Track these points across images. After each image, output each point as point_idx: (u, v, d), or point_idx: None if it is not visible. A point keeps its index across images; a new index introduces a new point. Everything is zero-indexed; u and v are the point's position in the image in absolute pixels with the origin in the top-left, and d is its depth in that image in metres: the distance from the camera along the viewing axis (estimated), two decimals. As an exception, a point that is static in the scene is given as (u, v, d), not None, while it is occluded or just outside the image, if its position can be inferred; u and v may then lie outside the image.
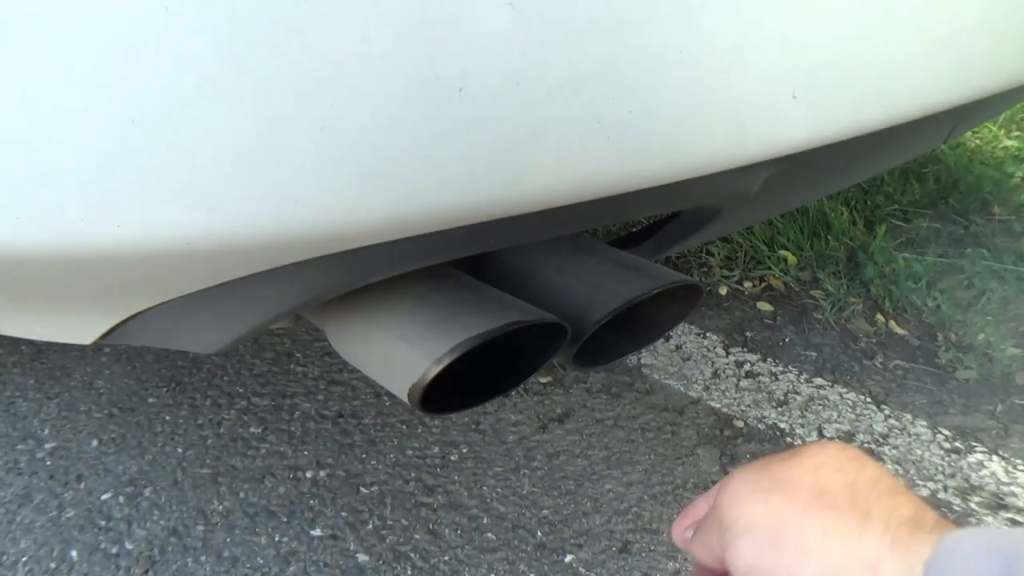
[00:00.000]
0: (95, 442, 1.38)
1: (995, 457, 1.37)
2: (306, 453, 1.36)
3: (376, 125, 0.50)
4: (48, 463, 1.33)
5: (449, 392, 0.77)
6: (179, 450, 1.36)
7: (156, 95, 0.47)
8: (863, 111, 0.67)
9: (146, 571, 1.15)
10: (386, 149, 0.50)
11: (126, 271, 0.58)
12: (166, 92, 0.47)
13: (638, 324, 0.87)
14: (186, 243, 0.50)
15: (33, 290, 0.69)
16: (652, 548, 1.19)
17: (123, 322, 0.73)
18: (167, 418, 1.43)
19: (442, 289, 0.71)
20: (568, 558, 1.18)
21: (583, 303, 0.75)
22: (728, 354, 1.62)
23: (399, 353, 0.67)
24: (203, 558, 1.17)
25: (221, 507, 1.25)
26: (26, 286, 0.67)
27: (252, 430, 1.41)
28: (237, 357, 1.59)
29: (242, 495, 1.28)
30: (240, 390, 1.51)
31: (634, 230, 1.04)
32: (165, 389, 1.51)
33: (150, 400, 1.48)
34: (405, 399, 0.69)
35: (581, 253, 0.80)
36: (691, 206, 0.78)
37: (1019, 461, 1.36)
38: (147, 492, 1.28)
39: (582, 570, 1.16)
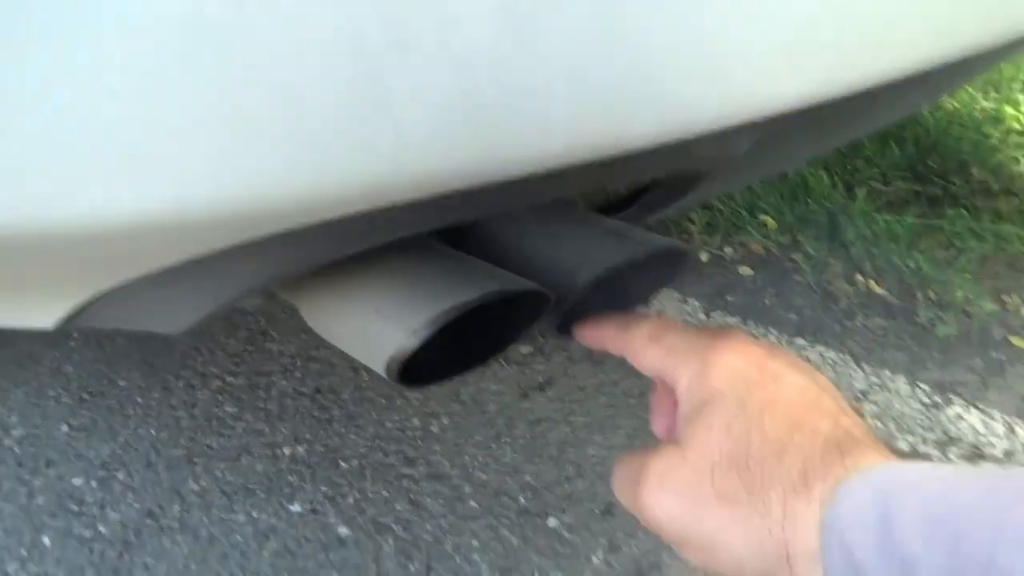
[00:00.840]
0: (65, 427, 1.34)
1: (973, 409, 1.36)
2: (283, 430, 1.34)
3: (340, 88, 0.47)
4: (16, 450, 1.30)
5: (429, 363, 0.74)
6: (152, 432, 1.33)
7: (111, 57, 0.44)
8: (857, 67, 0.65)
9: (122, 554, 1.12)
10: (353, 113, 0.48)
11: (84, 250, 0.55)
12: (120, 55, 0.44)
13: (623, 291, 0.85)
14: (145, 218, 0.48)
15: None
16: (636, 511, 1.18)
17: (86, 304, 0.70)
18: (139, 400, 1.40)
19: (419, 261, 0.69)
20: (551, 522, 1.17)
21: (567, 271, 0.73)
22: (709, 318, 1.61)
23: (375, 328, 0.65)
24: (180, 538, 1.14)
25: (197, 487, 1.23)
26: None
27: (227, 409, 1.38)
28: (210, 337, 1.56)
29: (218, 474, 1.25)
30: (214, 370, 1.48)
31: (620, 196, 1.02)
32: (136, 372, 1.47)
33: (121, 383, 1.45)
34: (383, 374, 0.67)
35: (564, 221, 0.78)
36: (678, 170, 0.76)
37: (996, 412, 1.36)
38: (120, 475, 1.25)
39: (565, 533, 1.15)
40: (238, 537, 1.14)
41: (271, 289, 0.81)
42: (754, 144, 0.75)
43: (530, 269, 0.71)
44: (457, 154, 0.53)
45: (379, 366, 0.63)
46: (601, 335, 0.60)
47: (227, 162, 0.49)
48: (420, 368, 0.70)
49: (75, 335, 1.57)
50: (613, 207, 0.99)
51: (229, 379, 1.45)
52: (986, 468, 0.37)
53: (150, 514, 1.18)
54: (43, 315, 0.73)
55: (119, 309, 0.69)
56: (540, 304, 0.68)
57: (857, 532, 0.35)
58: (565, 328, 0.76)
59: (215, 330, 1.58)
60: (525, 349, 1.52)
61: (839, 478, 0.38)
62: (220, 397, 1.41)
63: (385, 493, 1.22)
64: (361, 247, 0.60)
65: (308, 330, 1.66)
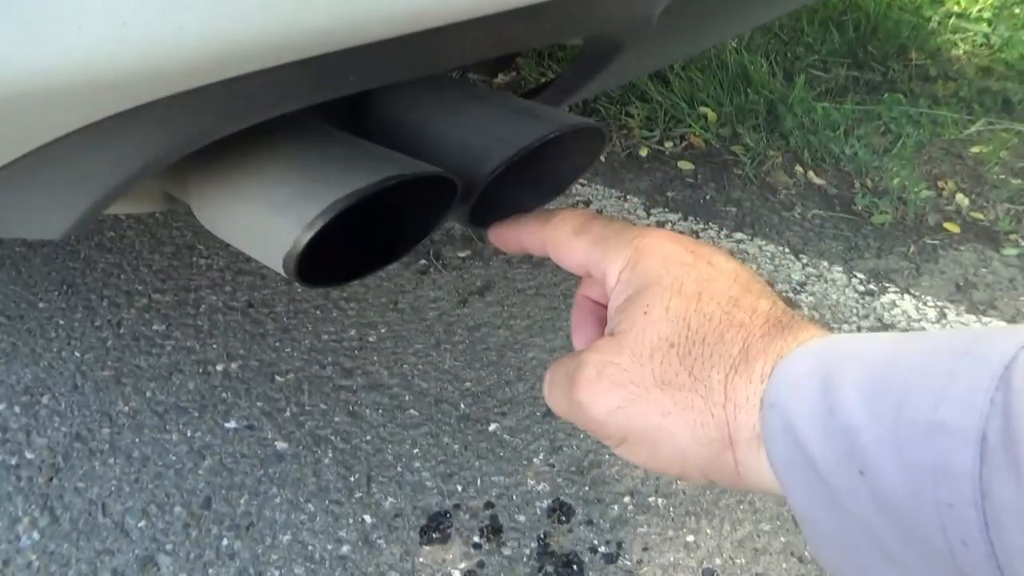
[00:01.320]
0: (-18, 353, 1.28)
1: (907, 296, 1.39)
2: (215, 346, 1.30)
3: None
4: (-69, 379, 1.23)
5: (337, 260, 0.70)
6: (77, 354, 1.28)
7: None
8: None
9: (51, 479, 1.09)
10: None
11: None
12: None
13: (540, 177, 0.81)
14: (34, 79, 0.42)
15: None
16: (576, 410, 1.19)
17: None
18: (61, 323, 1.34)
19: (313, 148, 0.63)
20: (492, 427, 1.17)
21: (476, 155, 0.68)
22: (649, 215, 1.59)
23: (268, 221, 0.60)
24: (111, 460, 1.11)
25: (127, 408, 1.19)
26: None
27: (155, 328, 1.33)
28: (134, 254, 1.49)
29: (149, 394, 1.21)
30: (139, 288, 1.41)
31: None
32: (56, 293, 1.40)
33: (40, 305, 1.38)
34: (281, 271, 0.62)
35: (473, 102, 0.73)
36: (584, 34, 0.71)
37: (929, 298, 1.39)
38: (45, 400, 1.20)
39: (506, 436, 1.15)
40: (172, 456, 1.12)
41: (164, 188, 0.75)
42: (667, 13, 0.70)
43: (438, 155, 0.66)
44: (336, 10, 0.47)
45: (276, 262, 0.58)
46: (519, 234, 0.57)
47: (79, 16, 0.43)
48: (327, 265, 0.66)
49: (-15, 257, 1.48)
50: (530, 93, 0.94)
51: (156, 296, 1.39)
52: (927, 333, 0.35)
53: (78, 437, 1.14)
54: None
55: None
56: (449, 192, 0.64)
57: (798, 404, 0.34)
58: (478, 219, 0.72)
59: (138, 246, 1.51)
60: (463, 253, 1.49)
61: (781, 353, 0.37)
62: (147, 315, 1.36)
63: (323, 406, 1.20)
64: (238, 124, 0.54)
65: (237, 242, 1.58)
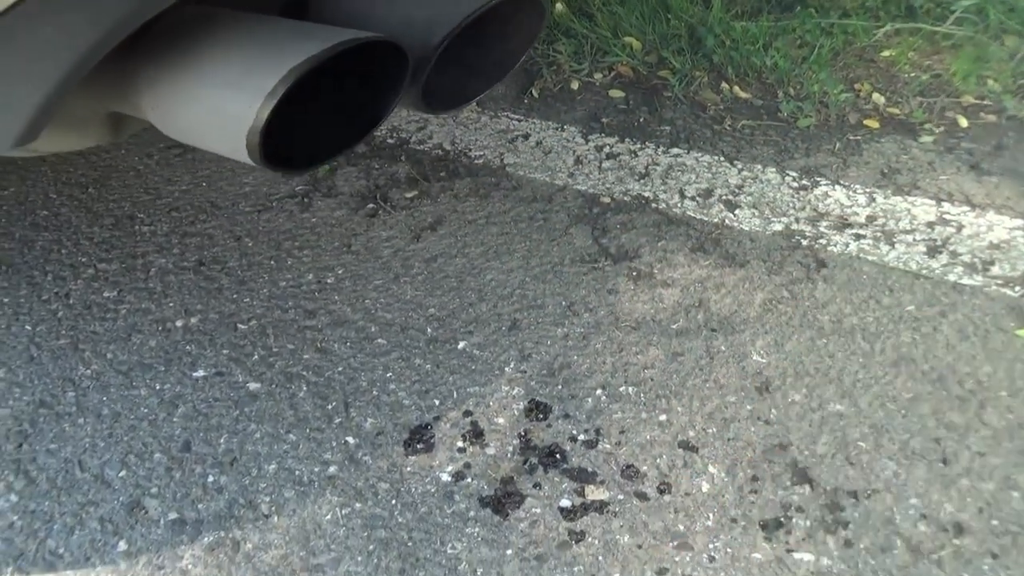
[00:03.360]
0: (-73, 337, 1.24)
1: (837, 187, 1.46)
2: (171, 305, 1.28)
3: None
4: None
5: (299, 151, 0.71)
6: (27, 328, 1.25)
7: None
8: None
9: (20, 445, 1.07)
10: None
11: None
12: None
13: (483, 61, 0.84)
14: None
15: None
16: (539, 320, 1.22)
17: None
18: (5, 300, 1.31)
19: (262, 29, 0.64)
20: (461, 344, 1.19)
21: (422, 29, 0.70)
22: (587, 141, 1.63)
23: (227, 101, 0.61)
24: (81, 420, 1.10)
25: (89, 371, 1.17)
26: None
27: (106, 295, 1.31)
28: (72, 229, 1.45)
29: (109, 356, 1.20)
30: (83, 259, 1.38)
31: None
32: (-4, 273, 1.36)
33: (-19, 287, 1.34)
34: (246, 154, 0.63)
35: (411, -17, 0.74)
36: None
37: (858, 186, 1.46)
38: (1, 373, 1.17)
39: (476, 351, 1.18)
40: (144, 409, 1.11)
41: (112, 107, 0.75)
42: None
43: (385, 33, 0.68)
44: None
45: (239, 145, 0.59)
46: None
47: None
48: (288, 154, 0.67)
49: (-86, 246, 1.43)
50: None
51: (101, 266, 1.37)
52: None
53: (43, 404, 1.12)
54: None
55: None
56: (400, 69, 0.66)
57: None
58: (430, 101, 0.74)
59: (75, 221, 1.47)
60: (410, 194, 1.50)
61: None
62: (96, 284, 1.33)
63: (290, 346, 1.20)
64: None
65: (179, 207, 1.56)
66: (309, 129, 0.73)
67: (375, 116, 0.73)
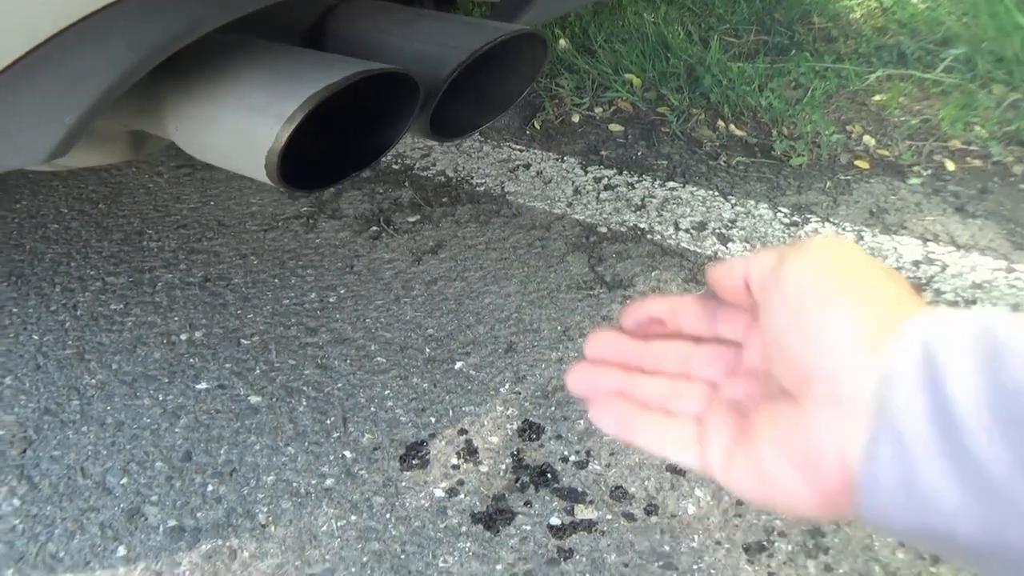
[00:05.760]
0: (-64, 343, 1.27)
1: (827, 224, 1.51)
2: (176, 319, 1.32)
3: None
4: None
5: (311, 170, 0.75)
6: (35, 337, 1.28)
7: None
8: None
9: (24, 450, 1.09)
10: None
11: None
12: None
13: (489, 93, 0.88)
14: None
15: None
16: (535, 344, 1.26)
17: None
18: (14, 310, 1.34)
19: (284, 57, 0.69)
20: (458, 365, 1.22)
21: (433, 62, 0.75)
22: (586, 172, 1.68)
23: (248, 123, 0.65)
24: (84, 428, 1.12)
25: (94, 380, 1.20)
26: None
27: (113, 307, 1.34)
28: (82, 243, 1.49)
29: (115, 366, 1.22)
30: (92, 272, 1.42)
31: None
32: (5, 284, 1.39)
33: (-9, 296, 1.37)
34: (263, 174, 0.67)
35: (424, 19, 0.79)
36: None
37: (847, 224, 1.51)
38: (8, 381, 1.20)
39: (472, 372, 1.21)
40: (146, 419, 1.14)
41: (136, 125, 0.79)
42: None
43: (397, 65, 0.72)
44: None
45: (258, 166, 0.63)
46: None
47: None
48: (302, 176, 0.71)
49: (-74, 255, 1.46)
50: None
51: (109, 279, 1.40)
52: None
53: (48, 411, 1.15)
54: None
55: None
56: (410, 98, 0.70)
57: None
58: (438, 129, 0.78)
59: (85, 235, 1.51)
60: (412, 218, 1.54)
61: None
62: (103, 296, 1.36)
63: (292, 361, 1.23)
64: (223, 13, 0.59)
65: (187, 224, 1.60)
66: (321, 152, 0.77)
67: (384, 143, 0.77)
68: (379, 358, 1.24)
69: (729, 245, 1.46)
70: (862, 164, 1.68)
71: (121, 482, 1.05)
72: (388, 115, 0.75)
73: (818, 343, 0.33)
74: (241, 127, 0.66)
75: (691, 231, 1.50)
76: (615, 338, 0.44)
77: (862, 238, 1.47)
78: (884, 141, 1.75)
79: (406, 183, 1.64)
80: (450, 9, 0.98)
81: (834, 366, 0.32)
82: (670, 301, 0.44)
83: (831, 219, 1.52)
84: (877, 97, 1.90)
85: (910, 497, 0.29)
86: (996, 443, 0.27)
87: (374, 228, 1.51)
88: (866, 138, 1.75)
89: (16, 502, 1.03)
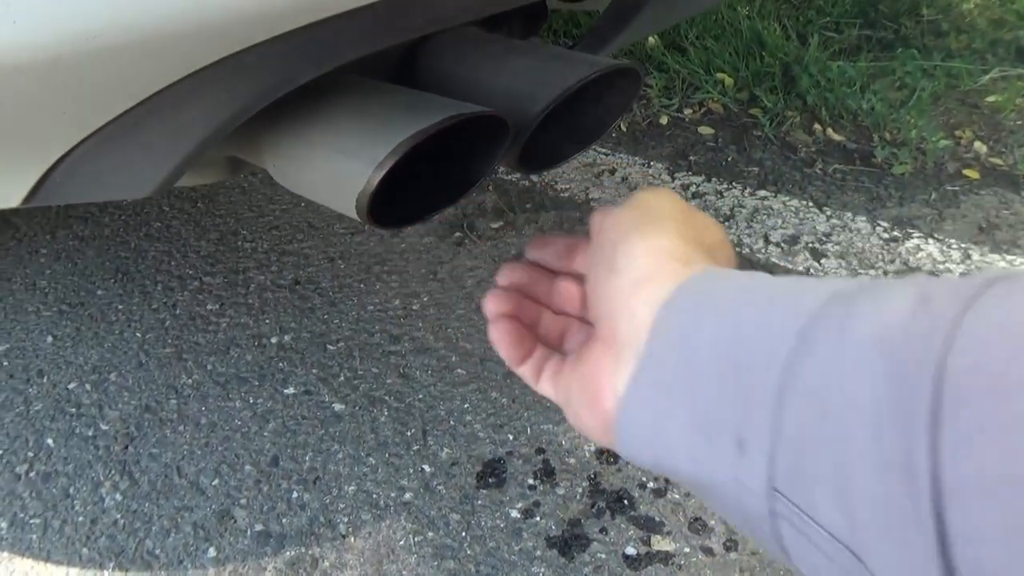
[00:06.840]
0: (50, 338, 1.35)
1: (931, 240, 1.43)
2: (267, 321, 1.36)
3: None
4: (5, 364, 1.31)
5: (398, 207, 0.76)
6: (138, 335, 1.35)
7: None
8: None
9: (126, 447, 1.16)
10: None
11: (30, 85, 0.55)
12: None
13: (579, 124, 0.87)
14: (91, 37, 0.48)
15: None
16: (616, 361, 1.24)
17: (48, 173, 0.70)
18: (120, 307, 1.41)
19: (375, 98, 0.69)
20: (537, 380, 1.22)
21: (523, 99, 0.74)
22: (674, 179, 1.64)
23: (341, 166, 0.66)
24: (181, 428, 1.18)
25: (190, 380, 1.26)
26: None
27: (209, 307, 1.40)
28: (181, 241, 1.56)
29: (209, 367, 1.28)
30: (190, 272, 1.48)
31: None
32: (112, 280, 1.47)
33: (99, 293, 1.45)
34: (354, 213, 0.68)
35: (514, 53, 0.79)
36: None
37: (953, 241, 1.42)
38: (113, 377, 1.27)
39: (551, 388, 1.20)
40: (237, 421, 1.19)
41: (237, 154, 0.81)
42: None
43: (486, 103, 0.72)
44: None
45: (349, 206, 0.64)
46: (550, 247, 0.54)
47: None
48: (391, 211, 0.71)
49: (43, 250, 1.56)
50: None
51: (206, 279, 1.46)
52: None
53: (148, 409, 1.21)
54: (7, 192, 0.73)
55: (83, 177, 0.69)
56: (500, 135, 0.69)
57: None
58: (526, 162, 0.77)
59: (184, 233, 1.58)
60: (495, 224, 1.54)
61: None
62: (200, 296, 1.42)
63: (375, 369, 1.26)
64: (311, 72, 0.60)
65: (279, 225, 1.65)
66: (408, 189, 0.78)
67: (473, 177, 0.77)
68: (459, 370, 1.25)
69: (823, 261, 1.40)
70: (971, 174, 1.58)
71: (213, 483, 1.10)
72: (478, 150, 0.75)
73: (607, 286, 0.38)
74: (333, 169, 0.67)
75: (782, 245, 1.44)
76: (526, 270, 0.50)
77: (969, 256, 1.39)
78: (997, 148, 1.64)
79: (490, 188, 1.64)
80: (538, 31, 0.97)
81: (616, 308, 0.36)
82: (568, 241, 0.50)
83: (935, 235, 1.44)
84: (991, 99, 1.78)
85: (654, 438, 0.32)
86: (712, 384, 0.30)
87: (457, 234, 1.52)
88: (977, 145, 1.65)
89: (118, 496, 1.09)
